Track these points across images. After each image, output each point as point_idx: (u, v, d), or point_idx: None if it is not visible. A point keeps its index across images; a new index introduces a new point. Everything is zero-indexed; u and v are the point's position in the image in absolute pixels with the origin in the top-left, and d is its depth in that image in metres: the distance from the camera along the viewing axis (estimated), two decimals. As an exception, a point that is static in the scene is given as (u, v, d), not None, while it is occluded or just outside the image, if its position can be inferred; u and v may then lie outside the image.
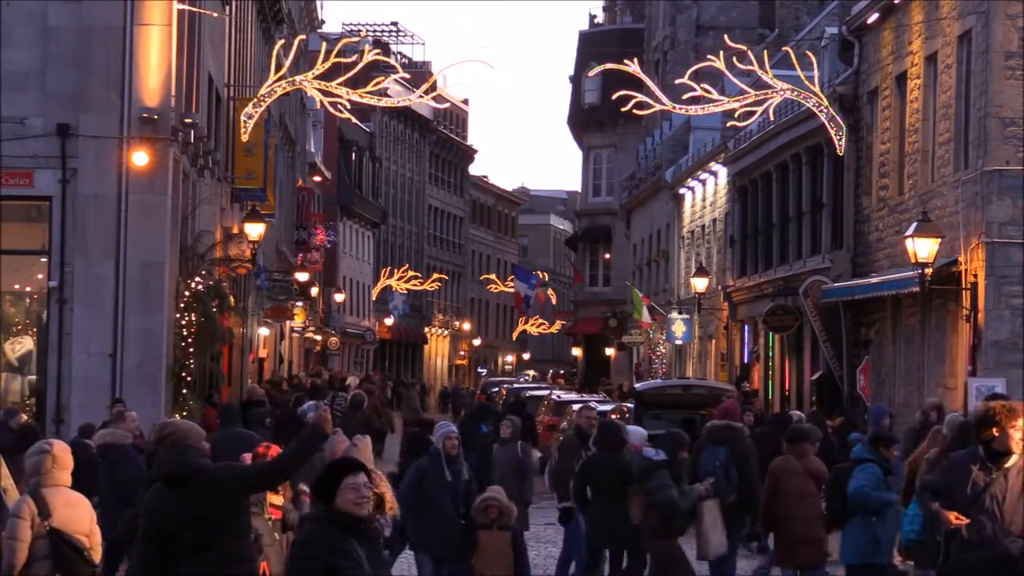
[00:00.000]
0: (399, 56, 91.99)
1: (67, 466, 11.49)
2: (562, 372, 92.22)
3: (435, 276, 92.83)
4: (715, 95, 31.90)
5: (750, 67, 30.93)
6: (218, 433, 18.98)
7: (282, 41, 40.93)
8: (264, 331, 45.90)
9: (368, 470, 14.47)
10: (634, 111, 32.66)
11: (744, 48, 31.91)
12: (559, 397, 40.99)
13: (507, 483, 18.38)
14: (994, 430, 10.86)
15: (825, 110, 30.66)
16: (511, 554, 15.03)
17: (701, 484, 16.08)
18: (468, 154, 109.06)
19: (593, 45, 73.94)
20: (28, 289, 25.64)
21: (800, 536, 16.53)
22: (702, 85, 30.97)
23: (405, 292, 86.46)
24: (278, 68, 31.92)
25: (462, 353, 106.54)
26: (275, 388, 39.06)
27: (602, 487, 17.15)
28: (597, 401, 37.19)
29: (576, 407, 19.45)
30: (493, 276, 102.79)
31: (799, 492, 16.62)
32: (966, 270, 26.55)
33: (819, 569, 16.91)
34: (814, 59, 32.00)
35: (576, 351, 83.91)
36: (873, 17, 32.25)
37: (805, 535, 16.54)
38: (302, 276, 50.49)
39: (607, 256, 75.45)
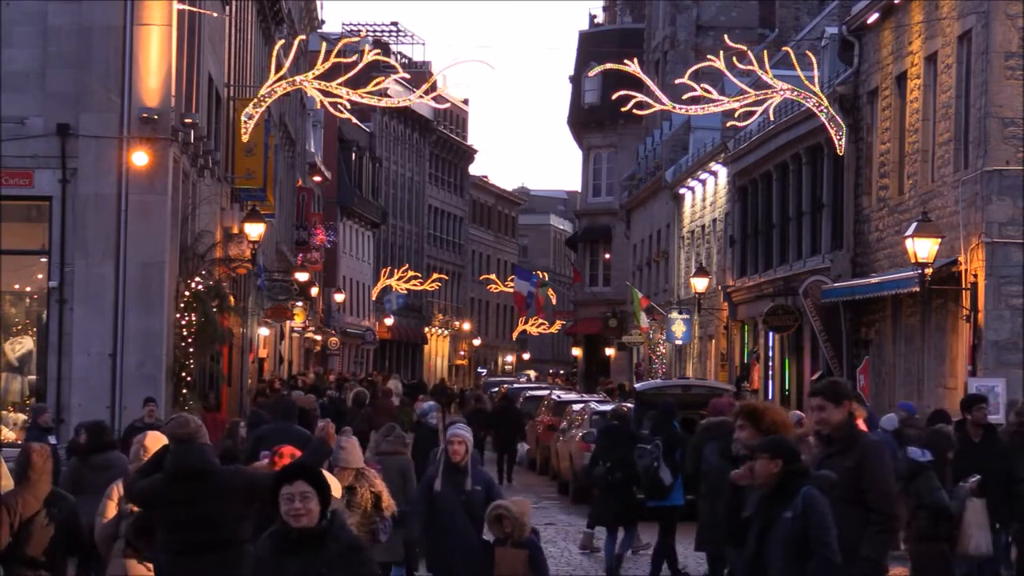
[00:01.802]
0: (399, 56, 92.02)
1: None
2: (561, 372, 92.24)
3: (435, 276, 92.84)
4: (715, 95, 31.93)
5: (750, 67, 30.96)
6: (272, 426, 19.16)
7: (282, 41, 40.94)
8: (264, 331, 45.91)
9: (359, 469, 14.39)
10: (634, 111, 32.69)
11: (744, 48, 31.94)
12: (559, 397, 41.00)
13: None
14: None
15: (825, 110, 30.67)
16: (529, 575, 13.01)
17: (966, 483, 15.98)
18: (468, 154, 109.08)
19: (593, 45, 73.93)
20: (28, 289, 25.64)
21: None
22: (702, 85, 31.00)
23: (405, 292, 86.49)
24: (278, 68, 31.94)
25: (462, 353, 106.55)
26: (268, 387, 39.11)
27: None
28: (597, 401, 37.20)
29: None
30: (493, 276, 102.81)
31: None
32: (966, 270, 26.55)
33: None
34: (814, 59, 32.01)
35: (576, 351, 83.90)
36: (873, 17, 32.25)
37: None
38: (302, 276, 50.50)
39: (607, 256, 75.44)
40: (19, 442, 22.66)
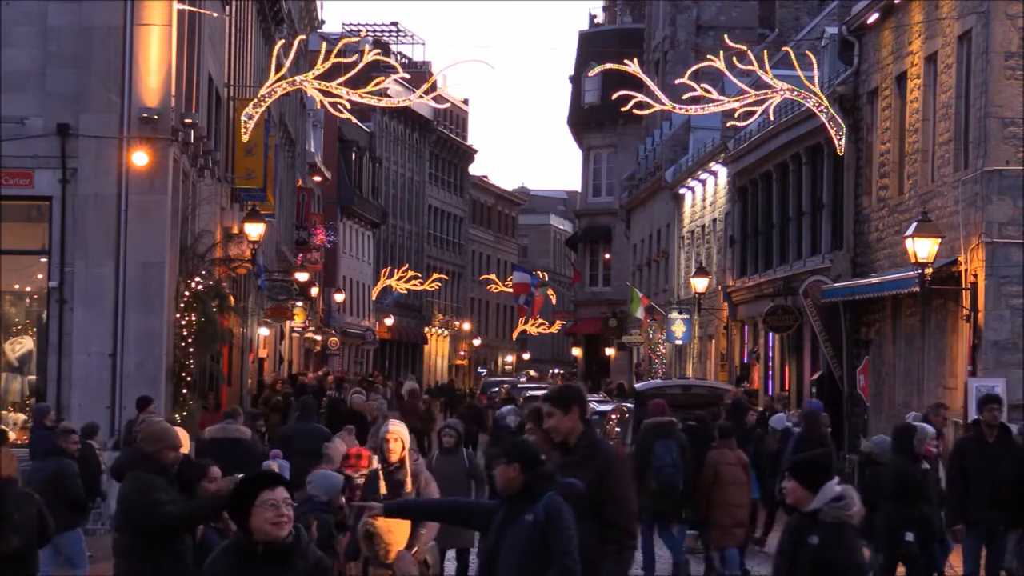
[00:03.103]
0: (399, 56, 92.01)
1: None
2: (561, 372, 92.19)
3: (435, 276, 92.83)
4: (715, 95, 31.93)
5: (750, 67, 30.96)
6: (294, 426, 19.41)
7: (282, 41, 40.95)
8: (264, 331, 45.91)
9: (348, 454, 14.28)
10: (634, 111, 32.71)
11: (744, 48, 31.94)
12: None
13: (452, 496, 16.07)
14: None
15: (825, 110, 30.67)
16: None
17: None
18: (468, 154, 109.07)
19: (593, 45, 73.95)
20: (28, 289, 25.63)
21: (735, 520, 18.65)
22: (702, 85, 31.01)
23: (405, 292, 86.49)
24: (278, 68, 31.94)
25: (462, 353, 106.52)
26: (270, 388, 39.18)
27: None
28: (597, 401, 37.22)
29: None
30: (493, 276, 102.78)
31: (736, 480, 18.68)
32: (966, 270, 26.54)
33: (743, 549, 19.19)
34: (814, 59, 32.00)
35: (576, 351, 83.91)
36: (873, 17, 32.24)
37: (739, 519, 18.73)
38: (302, 276, 50.49)
39: (607, 256, 75.45)
40: (20, 442, 22.70)
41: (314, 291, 57.26)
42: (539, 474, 8.88)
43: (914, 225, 26.26)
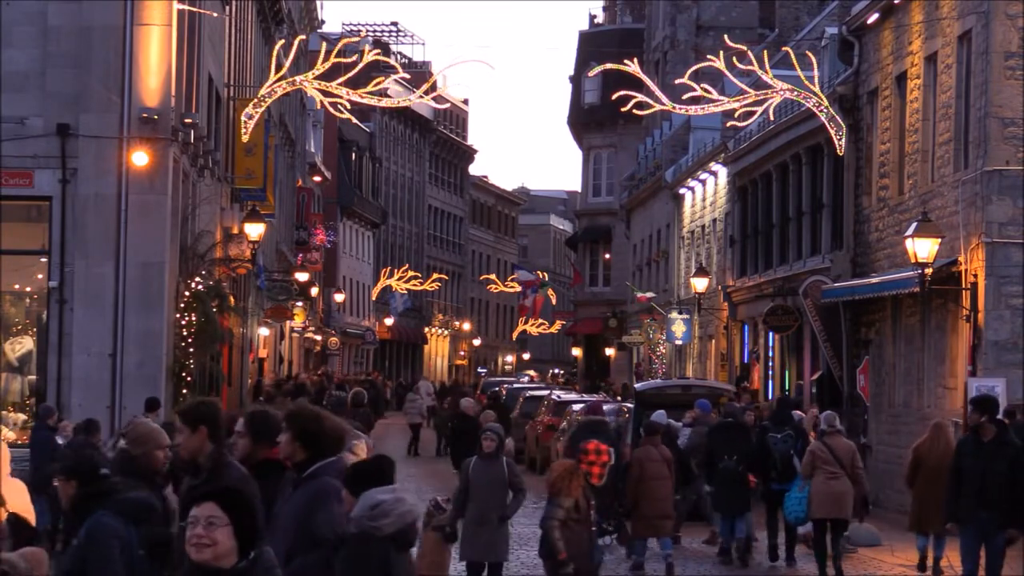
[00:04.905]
0: (399, 56, 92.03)
1: None
2: (560, 372, 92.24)
3: (435, 276, 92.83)
4: (715, 95, 31.95)
5: (750, 67, 30.98)
6: None
7: (282, 41, 40.99)
8: (264, 331, 45.93)
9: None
10: (634, 111, 32.73)
11: (744, 48, 31.97)
12: (559, 397, 41.04)
13: (489, 504, 16.25)
14: None
15: (825, 110, 30.67)
16: None
17: None
18: (468, 154, 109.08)
19: (593, 45, 73.93)
20: (28, 289, 25.64)
21: (660, 512, 20.19)
22: (702, 85, 31.03)
23: (405, 292, 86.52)
24: (278, 68, 31.97)
25: (462, 353, 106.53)
26: (277, 388, 39.21)
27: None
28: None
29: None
30: (493, 276, 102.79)
31: (659, 475, 20.18)
32: (966, 270, 26.53)
33: (669, 538, 20.78)
34: (814, 59, 32.01)
35: (576, 351, 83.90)
36: (873, 17, 32.23)
37: (664, 512, 20.27)
38: (302, 276, 50.52)
39: (607, 256, 75.44)
40: (20, 442, 22.71)
41: (314, 291, 57.28)
42: (90, 492, 8.30)
43: (914, 225, 26.25)
